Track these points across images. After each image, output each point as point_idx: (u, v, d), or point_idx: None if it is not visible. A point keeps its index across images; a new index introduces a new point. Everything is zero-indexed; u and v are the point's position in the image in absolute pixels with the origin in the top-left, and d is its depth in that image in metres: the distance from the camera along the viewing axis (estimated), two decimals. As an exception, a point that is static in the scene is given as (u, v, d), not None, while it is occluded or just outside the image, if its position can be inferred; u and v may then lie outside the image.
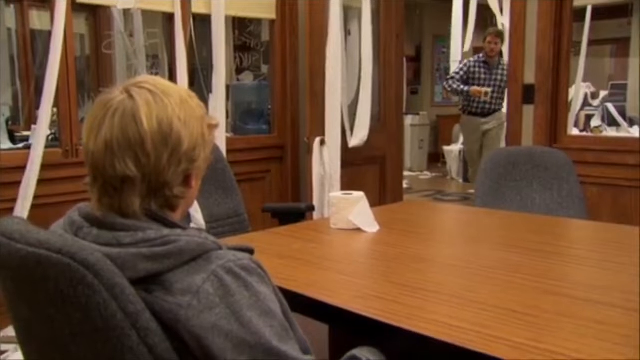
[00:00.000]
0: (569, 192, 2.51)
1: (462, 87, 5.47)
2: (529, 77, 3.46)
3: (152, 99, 0.99)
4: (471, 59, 5.60)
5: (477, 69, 5.48)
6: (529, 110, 3.48)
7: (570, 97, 4.08)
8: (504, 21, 5.57)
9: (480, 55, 5.53)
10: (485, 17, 5.89)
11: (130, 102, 0.98)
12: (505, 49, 5.60)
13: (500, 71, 5.40)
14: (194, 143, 1.02)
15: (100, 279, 0.89)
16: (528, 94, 3.46)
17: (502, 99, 5.31)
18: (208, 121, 1.07)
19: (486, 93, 5.31)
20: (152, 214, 1.01)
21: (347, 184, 3.63)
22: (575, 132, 4.12)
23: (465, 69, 5.54)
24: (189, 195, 1.06)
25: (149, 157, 0.97)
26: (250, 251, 1.05)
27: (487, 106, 5.47)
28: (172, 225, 1.01)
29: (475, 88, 5.36)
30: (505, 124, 4.91)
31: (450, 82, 5.54)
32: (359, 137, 3.89)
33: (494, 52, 5.38)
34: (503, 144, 5.15)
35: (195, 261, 0.96)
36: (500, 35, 5.37)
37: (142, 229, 0.97)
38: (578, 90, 4.47)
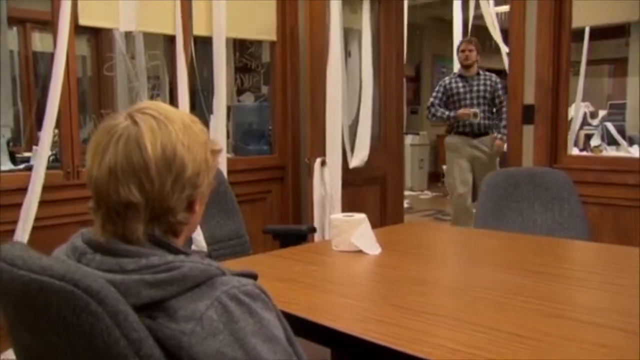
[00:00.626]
0: (570, 213, 2.51)
1: (446, 112, 4.99)
2: (529, 97, 3.48)
3: (156, 125, 1.00)
4: (446, 78, 5.19)
5: (454, 85, 5.03)
6: (528, 130, 3.50)
7: (569, 117, 4.09)
8: (501, 44, 5.58)
9: (456, 72, 5.21)
10: (484, 38, 5.89)
11: (135, 128, 0.99)
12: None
13: (481, 82, 4.98)
14: (197, 169, 1.02)
15: (104, 306, 0.89)
16: (528, 114, 3.48)
17: (492, 112, 5.00)
18: (211, 146, 1.08)
19: (475, 114, 4.82)
20: (156, 240, 1.01)
21: (348, 205, 3.63)
22: (575, 151, 4.13)
23: (441, 89, 5.09)
24: (193, 220, 1.07)
25: (153, 183, 0.97)
26: (254, 276, 1.05)
27: (477, 122, 4.93)
28: (175, 250, 1.02)
29: (462, 111, 4.88)
30: (499, 148, 4.69)
31: (432, 110, 5.05)
32: (359, 158, 3.90)
33: (469, 59, 4.95)
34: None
35: (198, 287, 0.96)
36: (472, 42, 5.02)
37: (145, 255, 0.97)
38: (577, 110, 4.49)
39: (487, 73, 5.08)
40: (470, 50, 4.95)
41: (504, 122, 4.69)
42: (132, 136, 0.98)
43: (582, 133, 5.02)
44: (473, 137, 4.95)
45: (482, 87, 4.97)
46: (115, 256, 0.97)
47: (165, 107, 1.05)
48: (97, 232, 1.01)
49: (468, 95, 4.95)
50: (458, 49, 5.09)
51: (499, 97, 4.94)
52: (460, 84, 5.02)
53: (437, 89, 5.13)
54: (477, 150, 4.94)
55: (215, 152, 1.09)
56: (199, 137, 1.04)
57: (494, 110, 5.01)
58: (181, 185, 1.00)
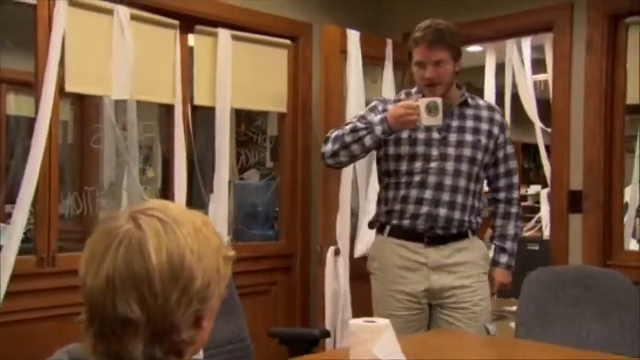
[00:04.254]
0: (633, 324, 2.46)
1: (371, 120, 2.73)
2: (576, 183, 3.49)
3: (162, 229, 1.01)
4: (391, 98, 3.00)
5: None
6: (576, 221, 3.48)
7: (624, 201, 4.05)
8: (535, 117, 5.50)
9: (414, 90, 2.88)
10: (521, 108, 5.92)
11: (138, 233, 1.00)
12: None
13: (468, 119, 2.81)
14: (207, 280, 1.03)
15: None
16: (575, 202, 3.48)
17: (478, 196, 2.81)
18: (224, 253, 1.08)
19: (432, 106, 2.59)
20: (156, 362, 1.00)
21: (361, 303, 3.56)
22: (633, 245, 4.09)
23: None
24: (200, 339, 1.06)
25: (157, 297, 0.97)
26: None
27: (434, 211, 2.70)
28: (177, 375, 1.01)
29: (401, 104, 2.66)
30: (501, 285, 2.92)
31: (331, 138, 2.79)
32: (363, 245, 3.80)
33: (432, 82, 2.69)
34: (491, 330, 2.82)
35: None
36: (442, 42, 2.65)
37: (142, 381, 0.96)
38: (635, 194, 4.39)
39: (482, 102, 2.97)
40: (437, 63, 2.68)
41: (512, 228, 2.87)
42: (135, 242, 0.99)
43: (640, 222, 4.98)
44: (430, 243, 2.73)
45: (460, 139, 2.76)
46: (107, 382, 0.96)
47: (174, 207, 1.07)
48: (87, 351, 1.01)
49: (429, 150, 2.75)
50: (408, 55, 2.77)
51: (506, 162, 2.86)
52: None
53: (372, 104, 2.91)
54: (443, 273, 2.74)
55: (228, 259, 1.09)
56: (211, 243, 1.05)
57: (484, 189, 2.93)
58: (188, 300, 1.00)
